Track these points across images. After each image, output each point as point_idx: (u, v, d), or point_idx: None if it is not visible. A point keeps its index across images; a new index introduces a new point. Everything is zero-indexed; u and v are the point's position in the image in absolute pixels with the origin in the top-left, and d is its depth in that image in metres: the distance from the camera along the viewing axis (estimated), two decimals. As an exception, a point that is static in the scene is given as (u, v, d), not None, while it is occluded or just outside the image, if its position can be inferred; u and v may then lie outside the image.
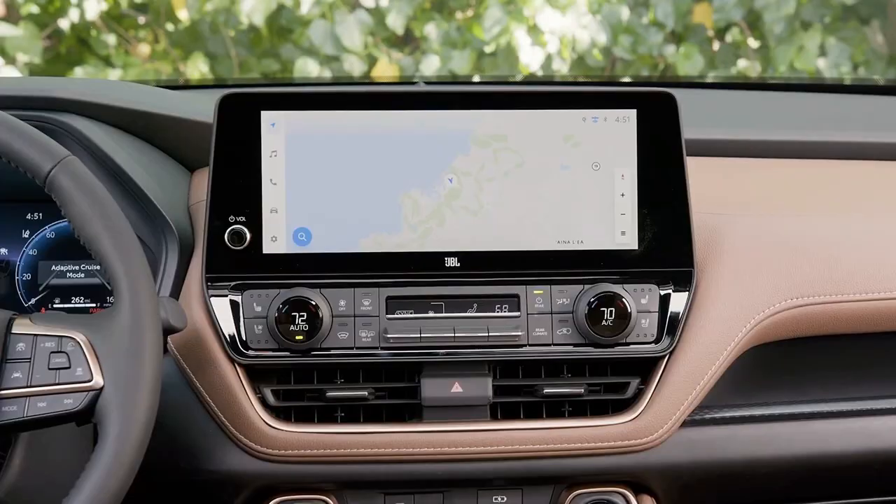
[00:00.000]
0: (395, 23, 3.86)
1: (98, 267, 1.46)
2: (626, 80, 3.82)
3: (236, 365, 1.27)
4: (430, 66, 3.82)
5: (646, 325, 1.29)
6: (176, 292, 1.30)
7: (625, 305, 1.28)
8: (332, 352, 1.27)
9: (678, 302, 1.30)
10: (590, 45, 3.88)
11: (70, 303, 1.46)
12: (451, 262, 1.29)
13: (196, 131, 1.43)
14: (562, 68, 3.94)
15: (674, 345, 1.30)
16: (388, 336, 1.27)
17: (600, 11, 3.90)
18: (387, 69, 3.89)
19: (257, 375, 1.28)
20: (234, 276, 1.28)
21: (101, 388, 1.07)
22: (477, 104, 1.30)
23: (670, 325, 1.30)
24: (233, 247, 1.28)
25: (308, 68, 3.86)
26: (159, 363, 1.10)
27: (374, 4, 3.92)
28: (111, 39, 4.03)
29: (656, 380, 1.30)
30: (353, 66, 3.87)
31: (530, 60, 3.84)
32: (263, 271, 1.28)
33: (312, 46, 3.85)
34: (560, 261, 1.30)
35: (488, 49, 3.89)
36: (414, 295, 1.29)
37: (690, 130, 1.35)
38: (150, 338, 1.09)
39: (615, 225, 1.30)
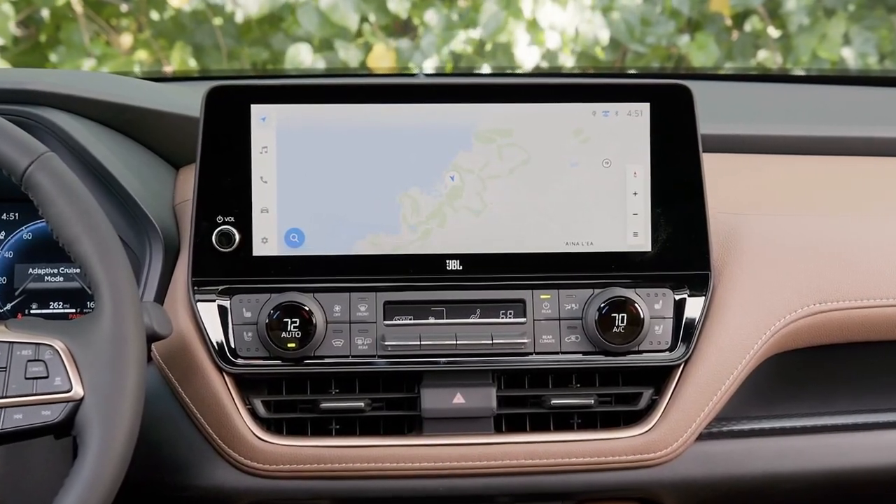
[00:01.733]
0: (399, 7, 3.87)
1: (78, 270, 1.45)
2: (638, 71, 3.82)
3: (224, 374, 1.27)
4: (430, 48, 3.82)
5: (659, 331, 1.29)
6: (160, 297, 1.30)
7: (637, 311, 1.27)
8: (327, 360, 1.27)
9: (694, 307, 1.30)
10: (593, 41, 3.87)
11: (48, 308, 1.46)
12: (453, 264, 1.29)
13: (182, 126, 1.42)
14: (566, 63, 3.94)
15: (689, 353, 1.30)
16: (386, 343, 1.27)
17: (613, 6, 3.89)
18: (384, 55, 3.89)
19: (247, 385, 1.28)
20: (223, 280, 1.28)
21: (81, 399, 1.07)
22: (480, 97, 1.30)
23: (685, 332, 1.30)
24: (221, 249, 1.28)
25: (301, 56, 3.86)
26: (143, 372, 1.10)
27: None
28: (91, 29, 4.02)
29: (671, 390, 1.30)
30: (349, 54, 3.87)
31: (526, 59, 3.84)
32: (253, 275, 1.28)
33: (305, 33, 3.85)
34: (568, 263, 1.30)
35: (487, 44, 3.89)
36: (413, 300, 1.28)
37: (707, 125, 1.35)
38: (132, 345, 1.09)
39: (627, 225, 1.30)
